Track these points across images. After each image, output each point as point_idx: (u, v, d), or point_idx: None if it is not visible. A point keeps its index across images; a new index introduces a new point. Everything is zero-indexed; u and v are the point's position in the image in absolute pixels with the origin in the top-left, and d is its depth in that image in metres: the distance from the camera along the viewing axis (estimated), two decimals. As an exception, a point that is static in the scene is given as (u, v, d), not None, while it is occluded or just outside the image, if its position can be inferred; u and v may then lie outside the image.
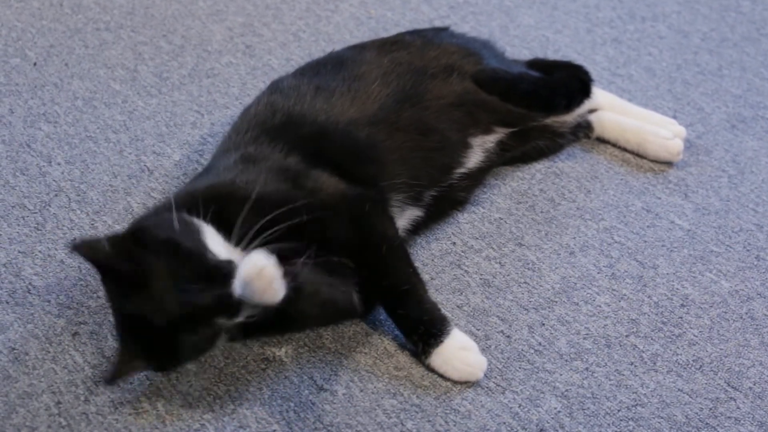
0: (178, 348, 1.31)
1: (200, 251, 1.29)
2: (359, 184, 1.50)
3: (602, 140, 1.90)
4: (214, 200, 1.38)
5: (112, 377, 1.32)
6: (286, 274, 1.27)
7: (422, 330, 1.42)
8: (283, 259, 1.30)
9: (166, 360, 1.34)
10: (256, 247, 1.33)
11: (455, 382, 1.42)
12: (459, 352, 1.42)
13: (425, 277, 1.51)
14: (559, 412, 1.39)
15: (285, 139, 1.53)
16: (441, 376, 1.42)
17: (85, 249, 1.31)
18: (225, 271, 1.27)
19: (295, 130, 1.55)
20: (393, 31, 2.06)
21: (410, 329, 1.43)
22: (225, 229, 1.35)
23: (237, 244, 1.34)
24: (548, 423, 1.37)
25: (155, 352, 1.32)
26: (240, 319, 1.29)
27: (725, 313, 1.57)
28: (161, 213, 1.38)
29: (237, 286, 1.25)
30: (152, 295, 1.27)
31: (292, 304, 1.30)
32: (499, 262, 1.63)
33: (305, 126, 1.56)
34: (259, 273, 1.23)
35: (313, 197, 1.44)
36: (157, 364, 1.35)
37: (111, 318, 1.48)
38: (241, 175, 1.45)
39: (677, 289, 1.60)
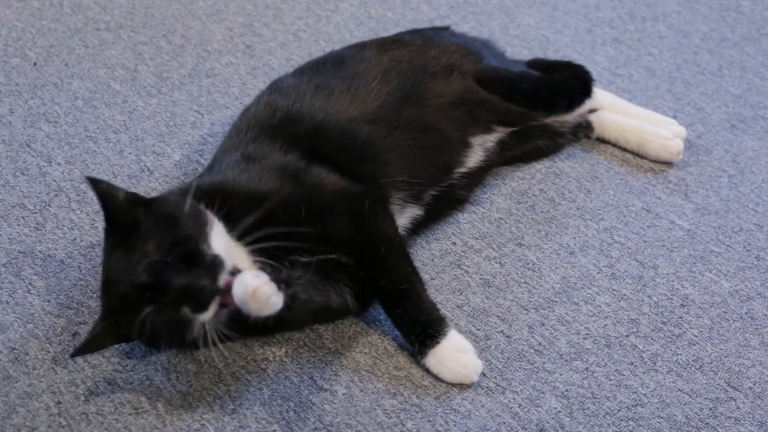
0: (143, 324, 1.28)
1: (195, 238, 1.30)
2: (359, 181, 1.51)
3: (602, 140, 1.90)
4: (218, 197, 1.39)
5: (83, 348, 1.33)
6: (280, 283, 1.29)
7: (419, 330, 1.42)
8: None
9: (129, 333, 1.31)
10: (258, 241, 1.34)
11: (450, 384, 1.42)
12: (455, 353, 1.41)
13: (425, 277, 1.51)
14: (559, 412, 1.39)
15: (284, 137, 1.53)
16: (435, 377, 1.42)
17: (102, 188, 1.33)
18: (208, 264, 1.28)
19: (294, 129, 1.56)
20: (393, 31, 2.06)
21: (407, 328, 1.43)
22: (228, 225, 1.36)
23: (239, 239, 1.36)
24: (548, 423, 1.37)
25: (122, 323, 1.30)
26: (208, 315, 1.28)
27: (725, 313, 1.56)
28: (180, 194, 1.40)
29: (237, 303, 1.27)
30: (131, 256, 1.28)
31: (285, 310, 1.31)
32: (499, 262, 1.63)
33: (305, 124, 1.57)
34: (252, 295, 1.25)
35: (313, 193, 1.44)
36: (123, 336, 1.34)
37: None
38: (242, 173, 1.46)
39: (677, 289, 1.60)
